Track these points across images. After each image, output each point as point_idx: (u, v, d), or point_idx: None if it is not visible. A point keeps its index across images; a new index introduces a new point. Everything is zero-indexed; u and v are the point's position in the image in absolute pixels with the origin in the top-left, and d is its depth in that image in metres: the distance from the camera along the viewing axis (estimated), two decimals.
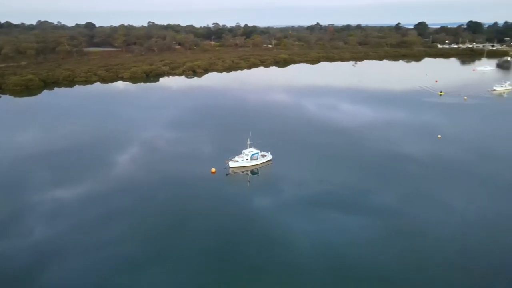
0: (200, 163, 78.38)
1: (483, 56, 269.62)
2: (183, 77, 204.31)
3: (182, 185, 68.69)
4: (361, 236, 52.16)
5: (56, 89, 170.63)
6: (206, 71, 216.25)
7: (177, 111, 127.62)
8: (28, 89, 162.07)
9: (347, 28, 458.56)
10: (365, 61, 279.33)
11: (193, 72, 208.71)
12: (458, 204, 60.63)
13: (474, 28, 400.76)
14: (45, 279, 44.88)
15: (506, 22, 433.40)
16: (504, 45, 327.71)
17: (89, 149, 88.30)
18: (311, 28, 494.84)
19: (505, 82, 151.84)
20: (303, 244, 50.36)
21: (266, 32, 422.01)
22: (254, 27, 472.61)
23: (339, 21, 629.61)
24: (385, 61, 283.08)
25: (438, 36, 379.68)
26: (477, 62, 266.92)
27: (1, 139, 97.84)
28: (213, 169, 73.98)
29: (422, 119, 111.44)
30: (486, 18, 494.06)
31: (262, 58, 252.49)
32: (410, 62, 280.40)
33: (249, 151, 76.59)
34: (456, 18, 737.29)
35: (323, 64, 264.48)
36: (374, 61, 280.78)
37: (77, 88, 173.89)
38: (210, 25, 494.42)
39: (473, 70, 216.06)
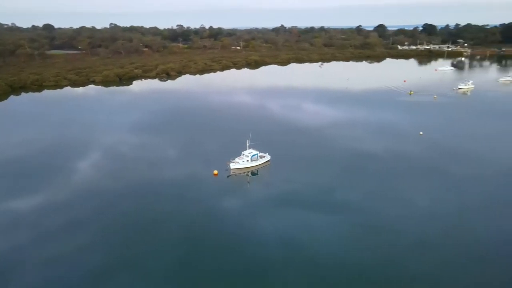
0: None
1: (444, 57, 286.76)
2: (156, 80, 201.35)
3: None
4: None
5: (23, 94, 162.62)
6: (180, 73, 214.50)
7: (149, 115, 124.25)
8: None
9: (311, 30, 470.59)
10: (333, 62, 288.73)
11: (167, 74, 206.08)
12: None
13: (429, 30, 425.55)
14: None
15: (457, 25, 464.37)
16: (459, 46, 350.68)
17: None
18: (276, 30, 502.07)
19: (468, 81, 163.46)
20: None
21: (232, 34, 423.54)
22: (220, 29, 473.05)
23: (302, 23, 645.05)
24: (351, 62, 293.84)
25: (397, 38, 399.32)
26: (433, 63, 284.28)
27: None
28: (215, 172, 74.64)
29: (401, 118, 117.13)
30: (439, 21, 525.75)
31: (234, 60, 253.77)
32: (373, 62, 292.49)
33: (249, 152, 78.01)
34: (412, 20, 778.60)
35: (293, 65, 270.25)
36: (341, 62, 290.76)
37: (46, 92, 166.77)
38: (175, 27, 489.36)
39: (435, 70, 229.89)
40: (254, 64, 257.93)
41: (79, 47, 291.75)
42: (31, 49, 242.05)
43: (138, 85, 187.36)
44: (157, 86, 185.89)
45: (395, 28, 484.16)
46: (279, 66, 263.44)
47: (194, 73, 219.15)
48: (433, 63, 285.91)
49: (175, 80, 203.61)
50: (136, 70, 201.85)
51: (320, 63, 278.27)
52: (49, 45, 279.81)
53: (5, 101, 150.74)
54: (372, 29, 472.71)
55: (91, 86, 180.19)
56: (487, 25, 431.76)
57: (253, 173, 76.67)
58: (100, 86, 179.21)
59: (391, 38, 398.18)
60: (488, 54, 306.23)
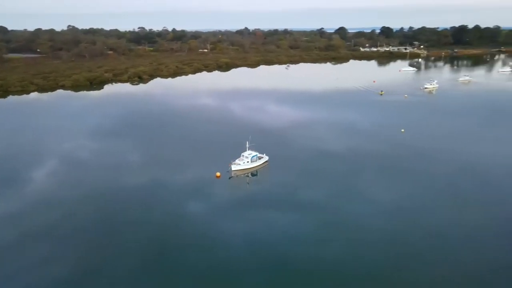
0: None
1: (406, 58, 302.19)
2: (128, 84, 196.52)
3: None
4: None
5: None
6: (152, 77, 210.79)
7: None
8: None
9: (275, 32, 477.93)
10: (301, 64, 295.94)
11: (139, 78, 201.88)
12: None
13: (387, 33, 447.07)
14: None
15: (410, 28, 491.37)
16: (416, 48, 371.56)
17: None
18: (240, 32, 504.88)
19: (433, 81, 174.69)
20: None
21: (197, 36, 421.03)
22: (183, 31, 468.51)
23: (266, 26, 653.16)
24: (319, 63, 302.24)
25: (358, 40, 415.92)
26: (393, 64, 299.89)
27: None
28: (217, 173, 75.39)
29: (381, 117, 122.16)
30: (394, 24, 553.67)
31: (205, 63, 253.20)
32: (337, 64, 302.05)
33: (249, 153, 79.44)
34: (369, 23, 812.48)
35: (263, 68, 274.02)
36: (309, 63, 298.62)
37: (11, 98, 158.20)
38: (137, 29, 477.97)
39: (400, 71, 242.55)
40: (225, 67, 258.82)
41: (38, 50, 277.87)
42: None
43: (110, 89, 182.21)
44: (129, 90, 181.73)
45: (355, 31, 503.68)
46: (250, 68, 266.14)
47: (166, 77, 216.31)
48: (392, 64, 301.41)
49: (148, 83, 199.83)
50: (106, 74, 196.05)
51: (286, 65, 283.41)
52: (6, 48, 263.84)
53: None
54: (333, 31, 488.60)
55: (60, 91, 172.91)
56: (437, 27, 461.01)
57: (252, 174, 78.18)
58: (70, 91, 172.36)
59: (352, 40, 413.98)
60: (443, 55, 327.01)
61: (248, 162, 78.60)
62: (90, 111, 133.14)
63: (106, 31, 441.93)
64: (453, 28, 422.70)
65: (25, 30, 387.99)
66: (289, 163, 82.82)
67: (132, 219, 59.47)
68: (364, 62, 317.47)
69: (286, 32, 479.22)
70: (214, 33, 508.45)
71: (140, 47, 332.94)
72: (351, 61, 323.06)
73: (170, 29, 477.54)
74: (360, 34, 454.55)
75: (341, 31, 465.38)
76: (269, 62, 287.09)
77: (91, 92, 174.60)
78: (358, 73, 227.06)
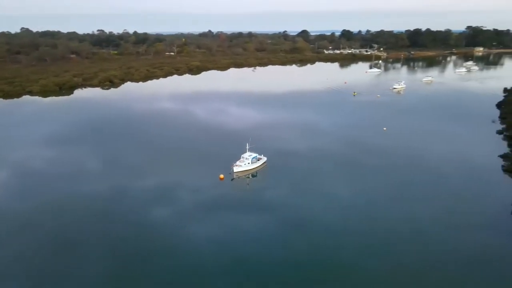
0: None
1: (372, 60, 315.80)
2: (99, 88, 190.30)
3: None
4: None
5: None
6: (123, 81, 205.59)
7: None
8: None
9: (239, 35, 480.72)
10: (270, 66, 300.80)
11: (110, 82, 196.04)
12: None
13: (347, 35, 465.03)
14: None
15: (368, 31, 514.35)
16: (376, 50, 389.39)
17: None
18: (204, 35, 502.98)
19: (401, 82, 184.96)
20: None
21: (162, 39, 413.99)
22: (146, 34, 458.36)
23: (229, 29, 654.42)
24: (288, 66, 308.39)
25: (322, 43, 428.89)
26: (355, 66, 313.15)
27: None
28: (221, 176, 76.27)
29: (363, 116, 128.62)
30: (353, 27, 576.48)
31: (175, 66, 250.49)
32: (303, 66, 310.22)
33: (249, 155, 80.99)
34: (329, 26, 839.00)
35: (232, 70, 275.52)
36: (277, 66, 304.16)
37: None
38: (96, 32, 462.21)
39: (366, 72, 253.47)
40: (196, 70, 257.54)
41: None
42: None
43: (80, 94, 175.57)
44: (100, 94, 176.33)
45: (316, 34, 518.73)
46: (220, 71, 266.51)
47: (137, 80, 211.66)
48: (355, 66, 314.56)
49: (119, 87, 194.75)
50: (75, 79, 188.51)
51: (252, 68, 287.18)
52: None
53: None
54: (296, 34, 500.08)
55: (27, 96, 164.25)
56: (392, 31, 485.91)
57: (253, 175, 79.79)
58: (37, 97, 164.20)
59: (316, 43, 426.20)
60: (402, 57, 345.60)
61: (248, 163, 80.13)
62: (70, 116, 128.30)
63: (63, 33, 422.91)
64: (408, 31, 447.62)
65: None
66: (288, 162, 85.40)
67: (145, 222, 59.27)
68: (329, 64, 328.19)
69: (250, 35, 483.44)
70: (177, 36, 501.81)
71: (104, 50, 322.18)
72: (317, 63, 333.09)
73: (131, 31, 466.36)
74: (322, 37, 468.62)
75: (304, 34, 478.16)
76: (239, 65, 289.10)
77: (61, 97, 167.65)
78: (329, 75, 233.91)
